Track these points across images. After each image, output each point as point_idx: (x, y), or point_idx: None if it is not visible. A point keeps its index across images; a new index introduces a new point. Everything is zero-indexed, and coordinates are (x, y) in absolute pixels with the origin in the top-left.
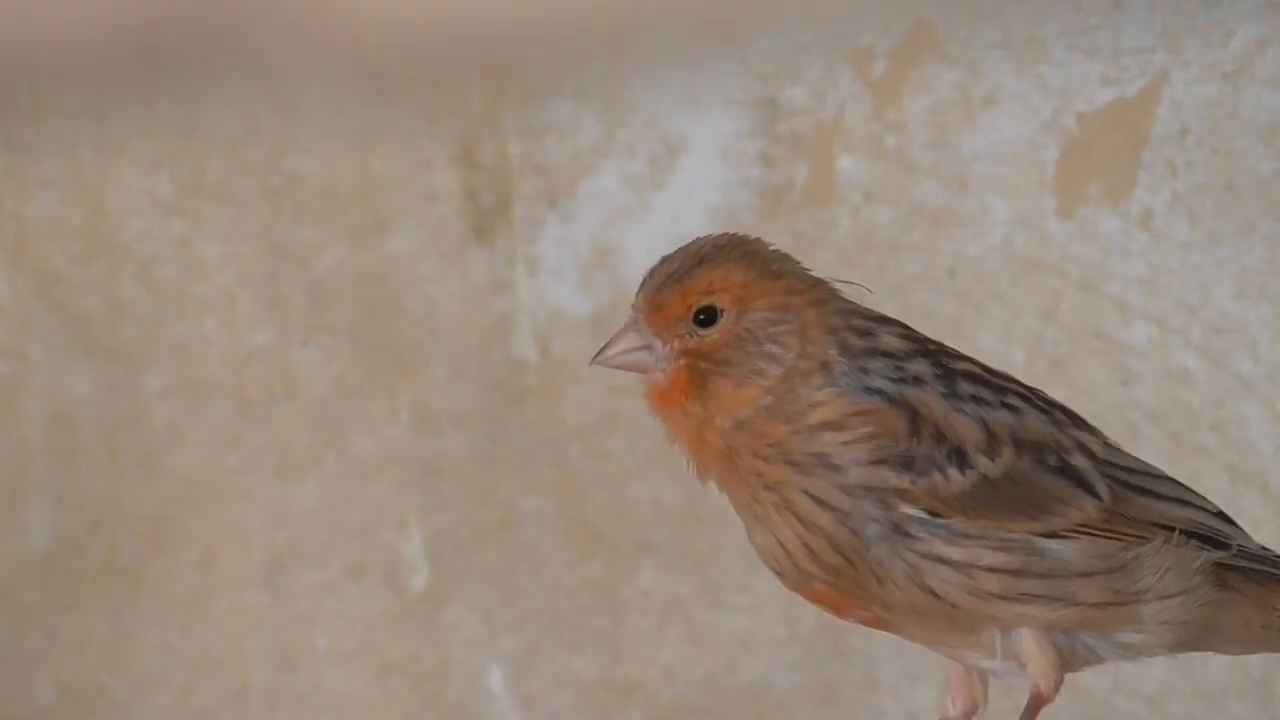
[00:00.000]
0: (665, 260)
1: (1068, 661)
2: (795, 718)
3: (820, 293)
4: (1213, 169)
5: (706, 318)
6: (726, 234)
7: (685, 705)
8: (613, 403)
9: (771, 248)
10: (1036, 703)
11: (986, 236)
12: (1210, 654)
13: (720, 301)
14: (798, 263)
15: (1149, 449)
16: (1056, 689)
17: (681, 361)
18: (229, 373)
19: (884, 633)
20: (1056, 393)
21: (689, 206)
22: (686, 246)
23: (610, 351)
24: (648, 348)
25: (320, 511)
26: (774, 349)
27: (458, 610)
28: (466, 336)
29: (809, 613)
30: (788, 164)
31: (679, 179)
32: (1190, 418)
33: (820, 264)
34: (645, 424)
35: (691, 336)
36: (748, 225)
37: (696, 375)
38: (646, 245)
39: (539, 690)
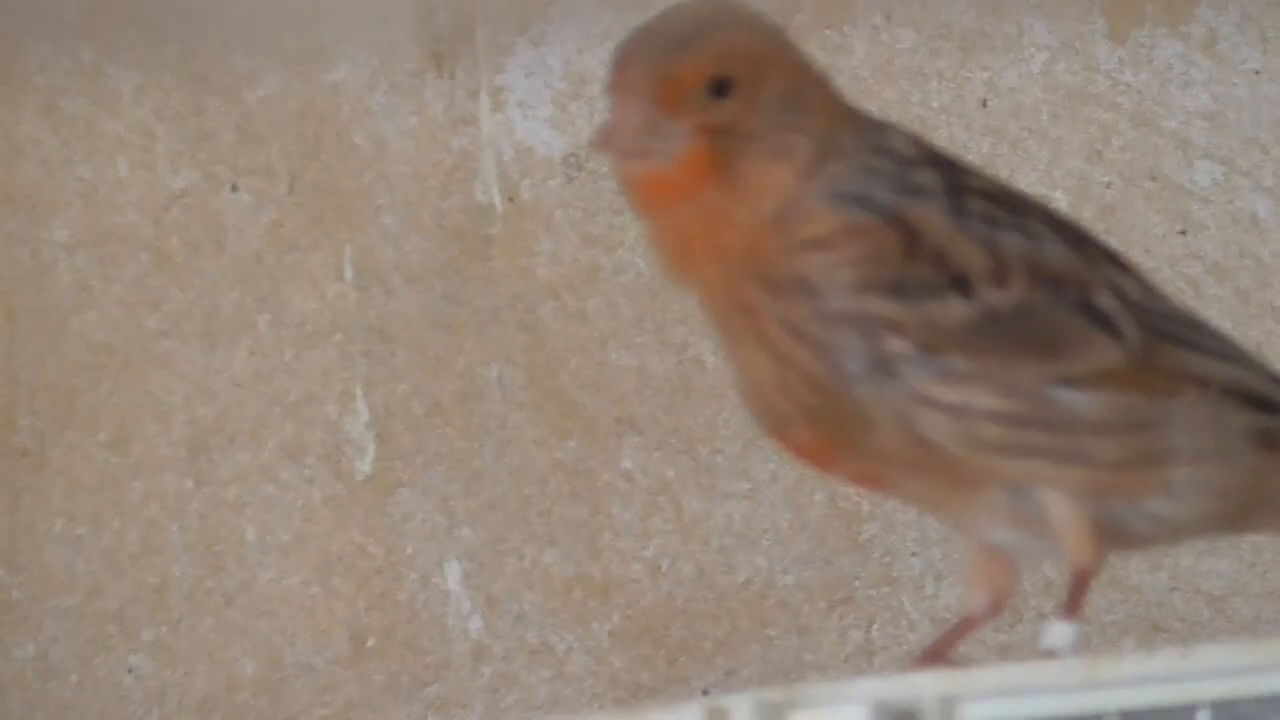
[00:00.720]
0: (653, 26)
1: (1105, 530)
2: (801, 620)
3: (826, 78)
4: None
5: (721, 88)
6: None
7: (673, 606)
8: (590, 255)
9: (762, 17)
10: (1080, 580)
11: (1025, 63)
12: None
13: (734, 69)
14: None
15: (1213, 308)
16: (1099, 559)
17: (698, 140)
18: (146, 222)
19: (905, 518)
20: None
21: None
22: (675, 9)
23: (611, 135)
24: (652, 128)
25: (251, 383)
26: (801, 119)
27: (410, 496)
28: (421, 180)
29: (818, 499)
30: None
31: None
32: (1261, 272)
33: None
34: (628, 280)
35: (706, 109)
36: None
37: (719, 155)
38: None
39: (503, 589)
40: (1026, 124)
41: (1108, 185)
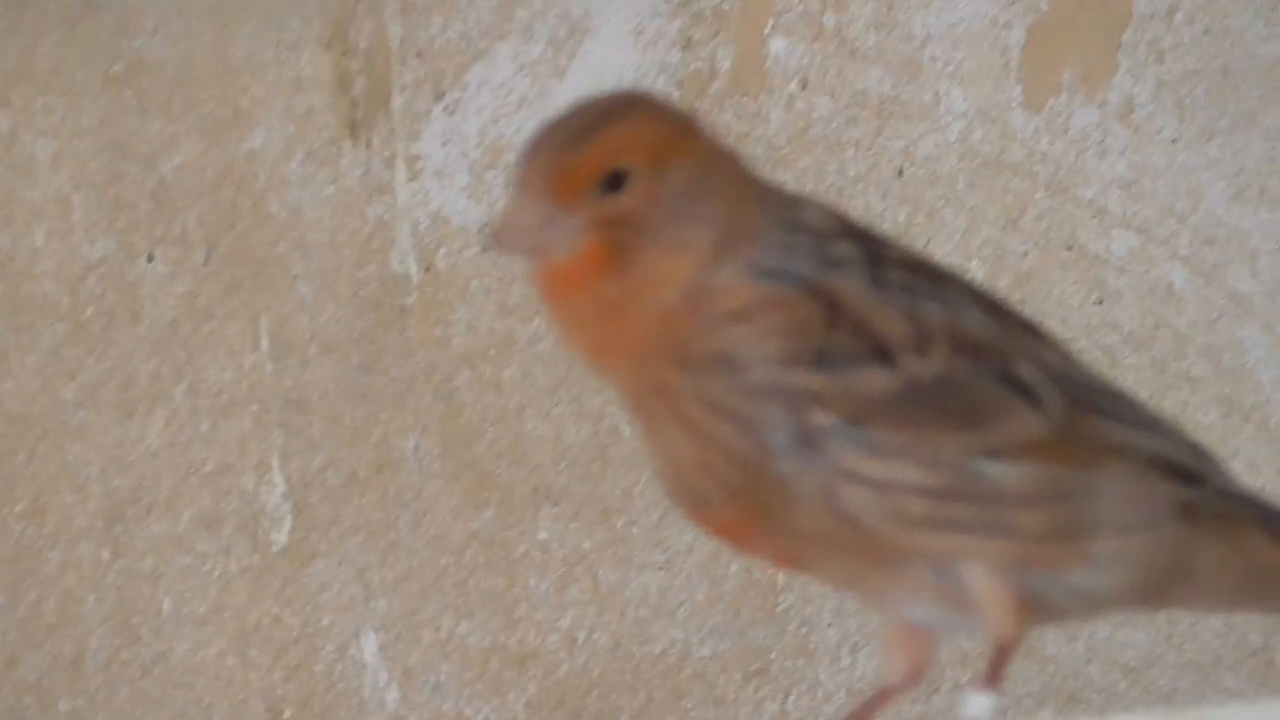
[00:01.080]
0: (558, 120)
1: (1030, 600)
2: (717, 692)
3: (737, 159)
4: (1205, 52)
5: (617, 181)
6: (625, 89)
7: (589, 677)
8: (506, 324)
9: (676, 106)
10: (1001, 652)
11: (941, 131)
12: (1200, 618)
13: (633, 161)
14: (700, 122)
15: (1129, 377)
16: (1021, 632)
17: (593, 233)
18: (62, 291)
19: (821, 588)
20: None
21: (596, 95)
22: (581, 103)
23: (514, 234)
24: (548, 222)
25: (167, 453)
26: (704, 209)
27: (326, 567)
28: (337, 249)
29: (734, 569)
30: (711, 47)
31: (584, 65)
32: (1177, 342)
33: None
34: (544, 349)
35: (602, 205)
36: None
37: (616, 248)
38: None
39: (419, 660)
40: (943, 193)
41: (1024, 254)
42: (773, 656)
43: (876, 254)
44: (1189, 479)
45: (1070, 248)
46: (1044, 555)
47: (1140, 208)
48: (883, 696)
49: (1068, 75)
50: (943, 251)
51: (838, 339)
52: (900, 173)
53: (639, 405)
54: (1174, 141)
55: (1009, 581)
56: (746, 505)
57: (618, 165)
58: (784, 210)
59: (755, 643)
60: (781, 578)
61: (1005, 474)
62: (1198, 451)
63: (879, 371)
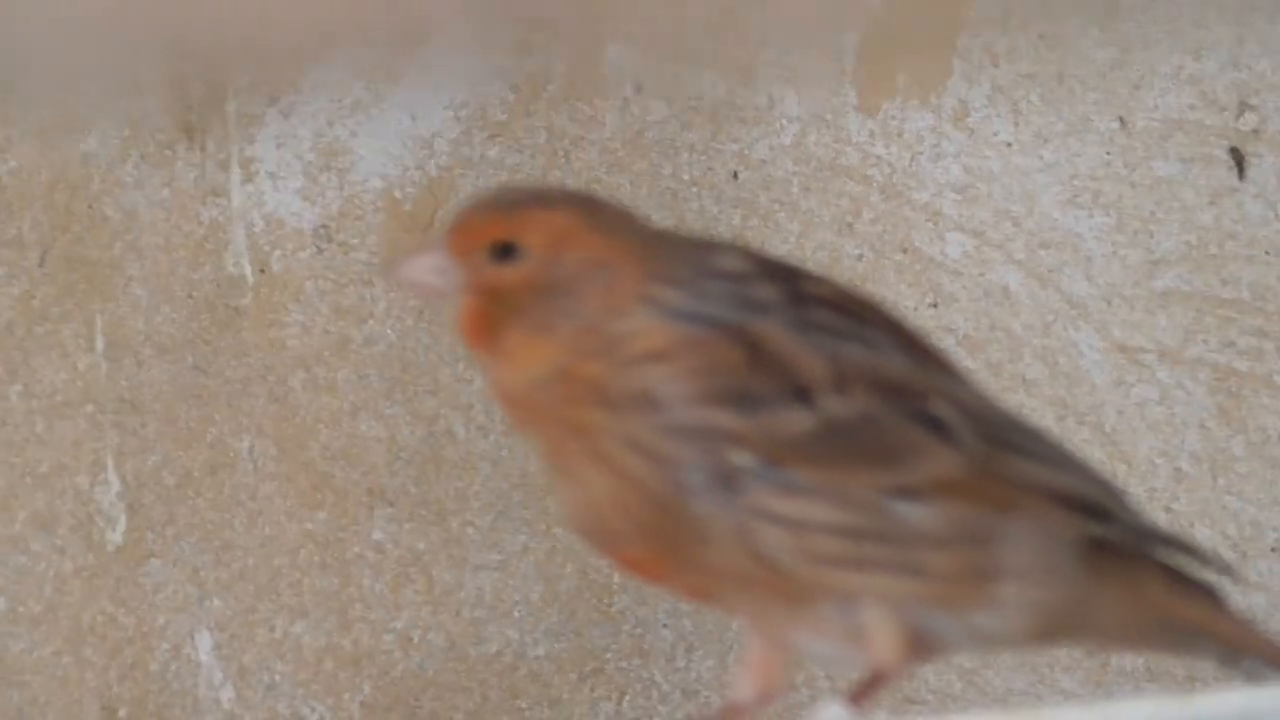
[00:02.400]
0: (503, 188)
1: (919, 639)
2: (552, 692)
3: (651, 247)
4: (1040, 57)
5: (507, 254)
6: (575, 190)
7: (424, 678)
8: (341, 326)
9: (627, 212)
10: (878, 679)
11: (776, 135)
12: None
13: (529, 242)
14: (647, 223)
15: None
16: (904, 666)
17: (472, 296)
18: None
19: (656, 589)
20: None
21: (431, 100)
22: (535, 185)
23: (405, 266)
24: (443, 272)
25: (2, 453)
26: (568, 304)
27: (161, 567)
28: (172, 251)
29: (569, 570)
30: (546, 51)
31: (420, 68)
32: (1012, 345)
33: (582, 167)
34: (378, 351)
35: (485, 270)
36: (498, 121)
37: (485, 316)
38: (380, 145)
39: (254, 660)
40: (777, 196)
41: (859, 258)
42: (608, 657)
43: (797, 294)
44: (1097, 515)
45: (905, 251)
46: (951, 595)
47: (975, 211)
48: (730, 712)
49: (902, 79)
50: (778, 255)
51: (757, 380)
52: (735, 176)
53: (551, 447)
54: (1009, 145)
55: (904, 617)
56: (661, 543)
57: (509, 239)
58: (700, 258)
59: (590, 643)
60: (616, 578)
61: (919, 513)
62: (1106, 488)
63: (798, 411)
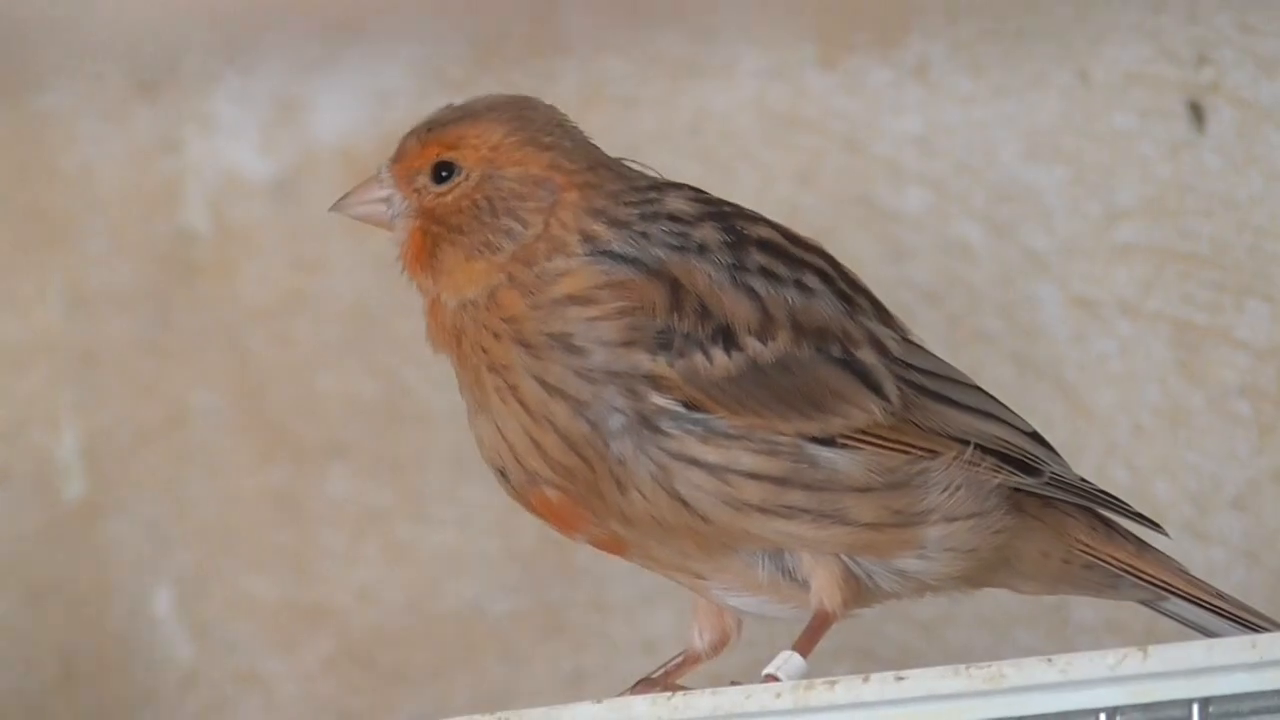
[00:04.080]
0: (440, 110)
1: (855, 583)
2: (512, 647)
3: (594, 176)
4: (998, 12)
5: (446, 174)
6: (519, 95)
7: (383, 633)
8: (298, 280)
9: (558, 119)
10: (820, 623)
11: (735, 90)
12: None
13: (464, 160)
14: (586, 140)
15: (925, 333)
16: (845, 606)
17: (415, 221)
18: None
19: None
20: None
21: (387, 58)
22: (471, 100)
23: (350, 198)
24: (388, 199)
25: None
26: (511, 223)
27: (118, 523)
28: (128, 205)
29: (528, 526)
30: (504, 8)
31: (376, 27)
32: (972, 298)
33: None
34: (335, 305)
35: (427, 193)
36: (456, 79)
37: (429, 239)
38: (337, 101)
39: (213, 615)
40: (737, 149)
41: (818, 212)
42: (568, 612)
43: (740, 235)
44: (1022, 467)
45: (865, 204)
46: (876, 542)
47: (935, 165)
48: (687, 661)
49: (862, 34)
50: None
51: (679, 322)
52: (694, 130)
53: (472, 382)
54: (968, 99)
55: (838, 560)
56: (578, 487)
57: (447, 159)
58: (646, 203)
59: (549, 599)
60: None
61: (841, 461)
62: (1033, 439)
63: (719, 354)
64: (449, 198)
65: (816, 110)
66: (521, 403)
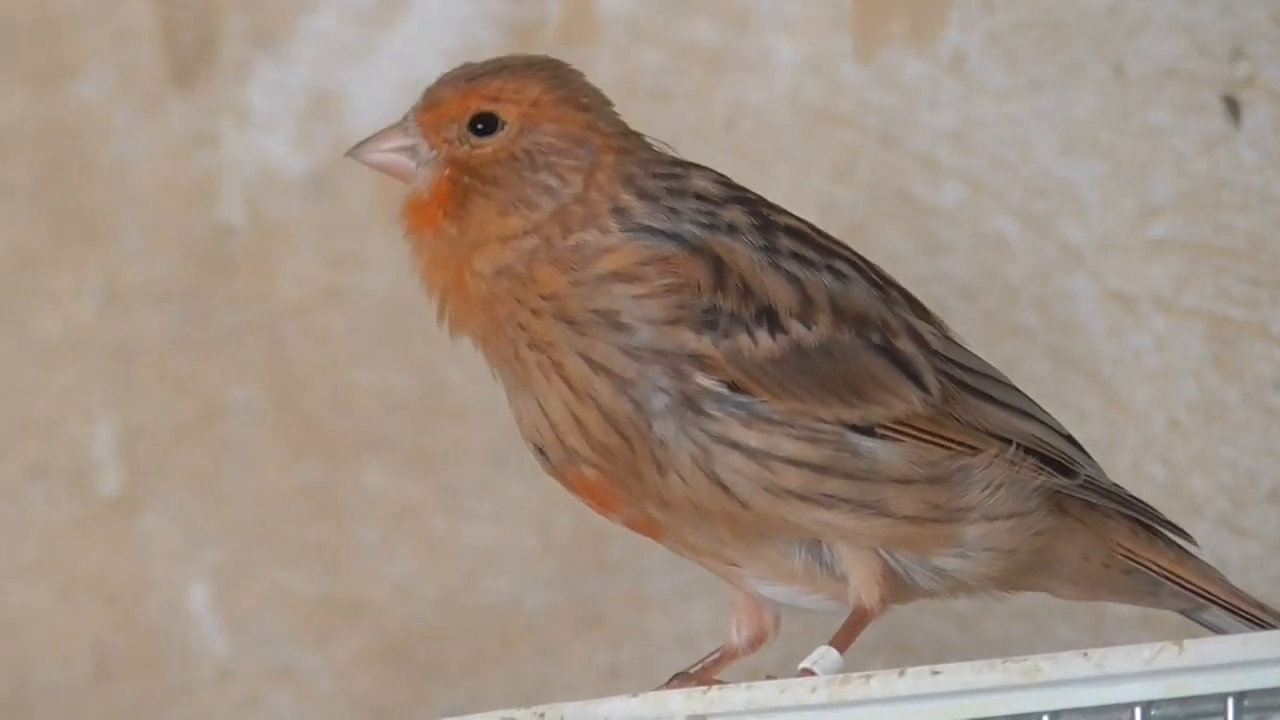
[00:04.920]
0: (468, 64)
1: (894, 578)
2: (549, 642)
3: (627, 142)
4: (1034, 5)
5: (484, 127)
6: (545, 56)
7: (419, 628)
8: (333, 275)
9: (590, 84)
10: (859, 619)
11: (771, 83)
12: None
13: (505, 112)
14: (613, 108)
15: (960, 328)
16: (883, 603)
17: (446, 172)
18: None
19: (654, 541)
20: None
21: (424, 48)
22: (504, 56)
23: (369, 145)
24: (412, 149)
25: None
26: (551, 179)
27: (154, 518)
28: (163, 199)
29: (564, 520)
30: None
31: (412, 16)
32: (1008, 294)
33: None
34: (371, 300)
35: (462, 144)
36: None
37: (459, 190)
38: (373, 93)
39: (248, 610)
40: (773, 144)
41: (854, 206)
42: (604, 607)
43: (767, 220)
44: (1061, 469)
45: (901, 199)
46: (914, 537)
47: (971, 159)
48: (725, 657)
49: (897, 26)
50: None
51: (724, 301)
52: (730, 124)
53: (508, 356)
54: (1004, 93)
55: (877, 555)
56: (617, 468)
57: (487, 111)
58: (675, 178)
59: (587, 594)
60: (613, 527)
61: (883, 451)
62: (1069, 442)
63: (764, 336)
64: (487, 149)
65: (852, 104)
66: (566, 379)
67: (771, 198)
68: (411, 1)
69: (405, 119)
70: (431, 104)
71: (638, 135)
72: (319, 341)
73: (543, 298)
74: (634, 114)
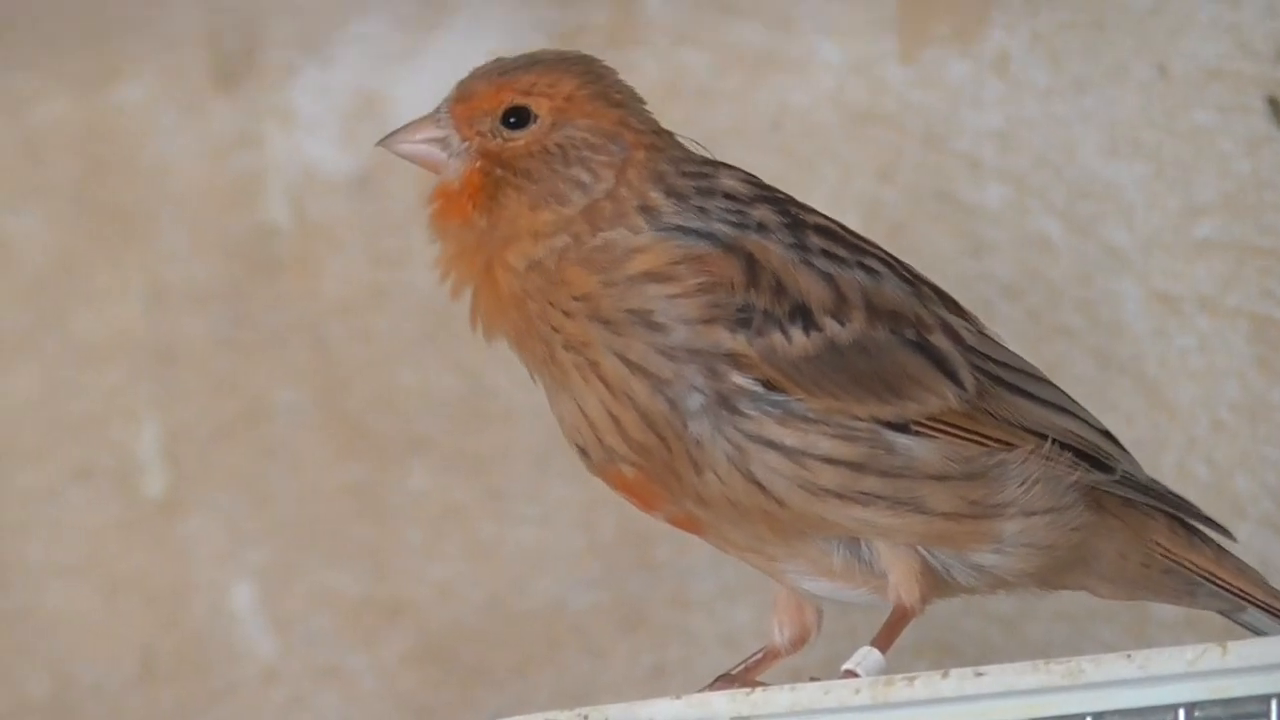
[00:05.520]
0: (501, 59)
1: (933, 575)
2: (594, 643)
3: (659, 139)
4: (1078, 5)
5: (517, 120)
6: (576, 50)
7: (463, 629)
8: (378, 275)
9: (622, 80)
10: (900, 617)
11: (815, 84)
12: None
13: (537, 106)
14: (645, 105)
15: (1004, 329)
16: (924, 601)
17: (478, 163)
18: None
19: (697, 539)
20: None
21: (469, 51)
22: (536, 51)
23: (400, 135)
24: (443, 140)
25: (38, 404)
26: (583, 174)
27: (198, 519)
28: (208, 200)
29: (609, 521)
30: (586, 1)
31: (457, 19)
32: (1052, 294)
33: None
34: (416, 300)
35: (495, 136)
36: None
37: (490, 183)
38: (417, 95)
39: (293, 611)
40: (817, 144)
41: (897, 207)
42: (649, 608)
43: (796, 219)
44: (1097, 464)
45: (945, 199)
46: (952, 533)
47: (1015, 160)
48: (768, 657)
49: (941, 27)
50: (817, 203)
51: (757, 299)
52: (775, 125)
53: (544, 358)
54: (1048, 94)
55: (916, 553)
56: (655, 466)
57: (520, 104)
58: (703, 176)
59: (631, 594)
60: (657, 528)
61: (918, 448)
62: (1105, 436)
63: (798, 334)
64: (520, 142)
65: (896, 105)
66: (603, 379)
67: (816, 198)
68: (456, 5)
69: (438, 111)
70: (464, 96)
71: (669, 133)
72: (363, 341)
73: (575, 299)
74: (678, 115)
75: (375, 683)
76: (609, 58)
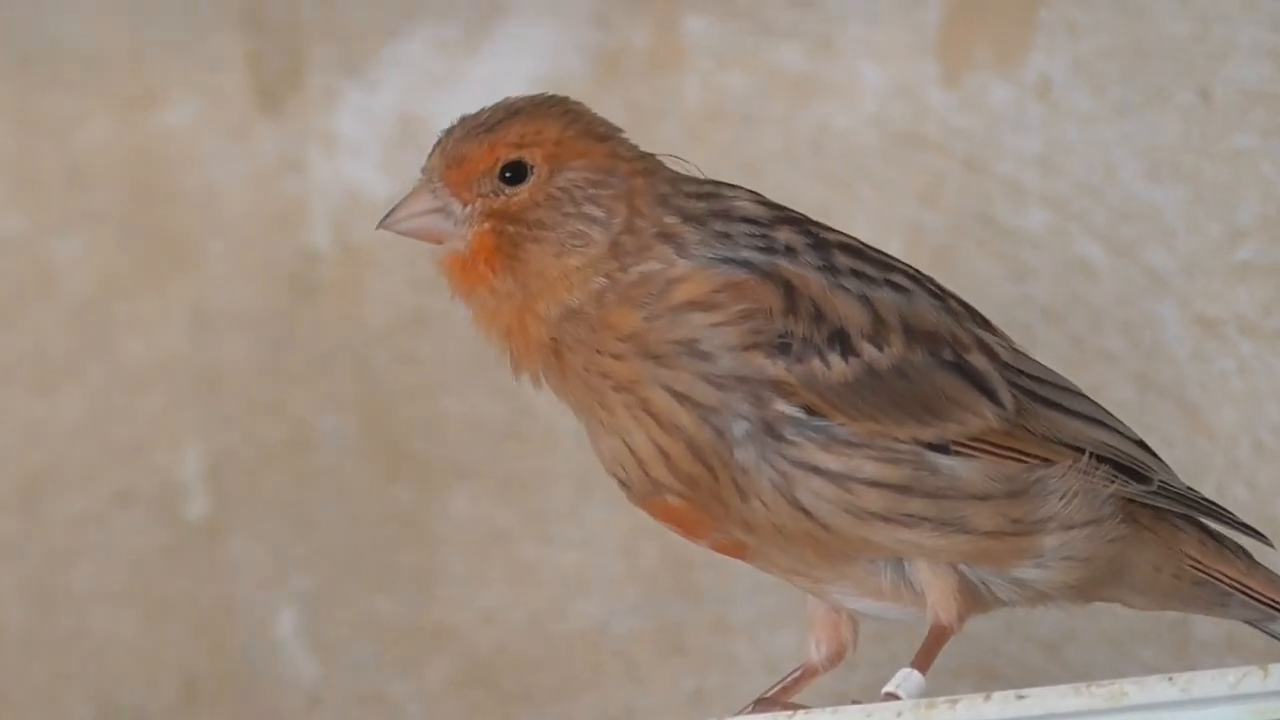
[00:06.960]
0: (468, 115)
1: (972, 593)
2: (636, 668)
3: (648, 163)
4: (1119, 30)
5: (514, 174)
6: (544, 93)
7: (507, 654)
8: (421, 300)
9: (596, 113)
10: (938, 636)
11: (857, 108)
12: None
13: (531, 156)
14: (624, 133)
15: (1046, 353)
16: (961, 619)
17: (486, 225)
18: None
19: (739, 564)
20: None
21: (510, 74)
22: (497, 103)
23: (399, 214)
24: (443, 210)
25: (82, 428)
26: (596, 210)
27: (242, 543)
28: (251, 224)
29: (651, 546)
30: (626, 25)
31: (499, 43)
32: (1093, 318)
33: (663, 139)
34: (460, 325)
35: (497, 195)
36: (580, 95)
37: (506, 242)
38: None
39: (337, 636)
40: (859, 168)
41: (939, 231)
42: (690, 633)
43: (818, 239)
44: (1136, 476)
45: (987, 223)
46: (994, 551)
47: (1056, 184)
48: (805, 675)
49: (983, 51)
50: (859, 228)
51: (795, 325)
52: (816, 149)
53: (591, 402)
54: (1089, 118)
55: (953, 571)
56: (701, 495)
57: (515, 159)
58: (711, 197)
59: (672, 619)
60: (699, 554)
61: (961, 468)
62: (1141, 447)
63: (836, 360)
64: (523, 195)
65: (938, 129)
66: (652, 414)
67: (857, 222)
68: (499, 29)
69: (429, 180)
70: (455, 161)
71: (653, 156)
72: (407, 367)
73: (620, 340)
74: (720, 139)
75: (419, 708)
76: (650, 81)
